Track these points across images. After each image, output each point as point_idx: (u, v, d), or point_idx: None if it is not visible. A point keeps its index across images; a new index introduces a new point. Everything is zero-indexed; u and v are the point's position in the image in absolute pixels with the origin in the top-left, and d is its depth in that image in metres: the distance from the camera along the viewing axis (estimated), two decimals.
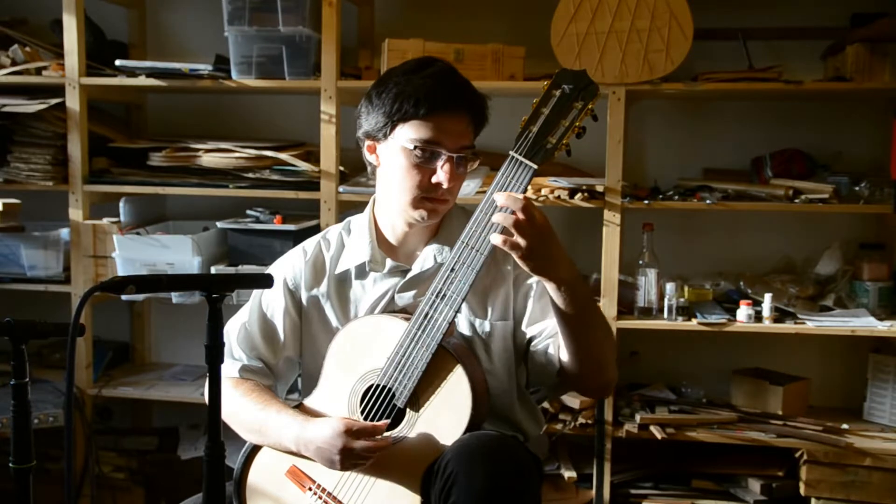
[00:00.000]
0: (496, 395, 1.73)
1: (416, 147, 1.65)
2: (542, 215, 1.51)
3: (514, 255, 1.51)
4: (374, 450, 1.57)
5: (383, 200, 1.79)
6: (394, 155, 1.70)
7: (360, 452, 1.57)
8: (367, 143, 1.76)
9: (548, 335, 1.72)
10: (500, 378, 1.76)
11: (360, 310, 1.79)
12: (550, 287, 1.56)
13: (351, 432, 1.58)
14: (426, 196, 1.69)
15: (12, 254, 2.97)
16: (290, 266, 1.85)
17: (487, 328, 1.75)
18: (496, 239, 1.51)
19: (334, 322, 1.80)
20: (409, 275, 1.76)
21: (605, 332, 1.68)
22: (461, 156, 1.68)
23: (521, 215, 1.48)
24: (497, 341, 1.75)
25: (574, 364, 1.64)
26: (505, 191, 1.54)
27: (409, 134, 1.66)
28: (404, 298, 1.76)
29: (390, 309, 1.77)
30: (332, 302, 1.81)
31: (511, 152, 1.56)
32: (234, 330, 1.84)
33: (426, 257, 1.76)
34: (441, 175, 1.66)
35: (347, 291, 1.81)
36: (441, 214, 1.74)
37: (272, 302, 1.84)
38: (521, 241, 1.49)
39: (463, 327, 1.75)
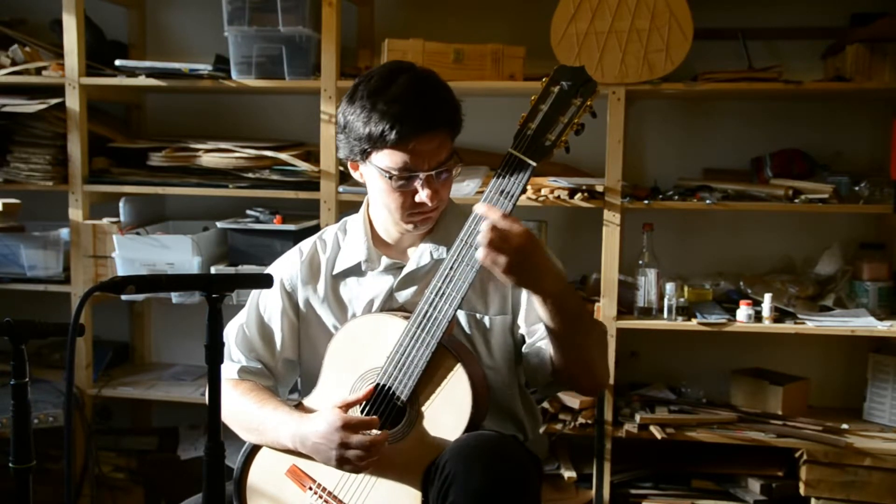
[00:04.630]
0: (497, 389, 1.74)
1: (391, 176, 1.64)
2: (519, 232, 1.50)
3: (495, 272, 1.52)
4: (370, 445, 1.57)
5: (375, 208, 1.79)
6: (374, 178, 1.69)
7: (356, 446, 1.57)
8: (349, 162, 1.75)
9: (541, 335, 1.72)
10: (501, 372, 1.76)
11: (357, 308, 1.79)
12: (536, 299, 1.57)
13: (347, 427, 1.58)
14: (413, 212, 1.69)
15: (12, 254, 2.97)
16: (286, 268, 1.85)
17: (487, 322, 1.75)
18: (480, 255, 1.52)
19: (332, 322, 1.80)
20: (405, 271, 1.76)
21: (597, 338, 1.69)
22: (441, 170, 1.66)
23: (493, 234, 1.49)
24: (497, 335, 1.75)
25: (563, 367, 1.67)
26: (503, 189, 1.54)
27: (383, 161, 1.64)
28: (402, 296, 1.76)
29: (388, 307, 1.77)
30: (329, 302, 1.81)
31: (510, 150, 1.56)
32: (233, 332, 1.84)
33: (422, 254, 1.76)
34: (423, 195, 1.64)
35: (344, 291, 1.81)
36: (434, 221, 1.74)
37: (269, 304, 1.84)
38: (500, 258, 1.50)
39: (463, 322, 1.75)
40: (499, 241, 1.49)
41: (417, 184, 1.64)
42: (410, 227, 1.72)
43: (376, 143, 1.61)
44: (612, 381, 2.69)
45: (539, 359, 1.72)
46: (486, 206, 1.55)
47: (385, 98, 1.60)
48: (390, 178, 1.64)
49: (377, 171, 1.66)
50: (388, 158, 1.63)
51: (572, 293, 1.63)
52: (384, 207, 1.72)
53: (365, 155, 1.66)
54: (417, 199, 1.65)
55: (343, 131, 1.68)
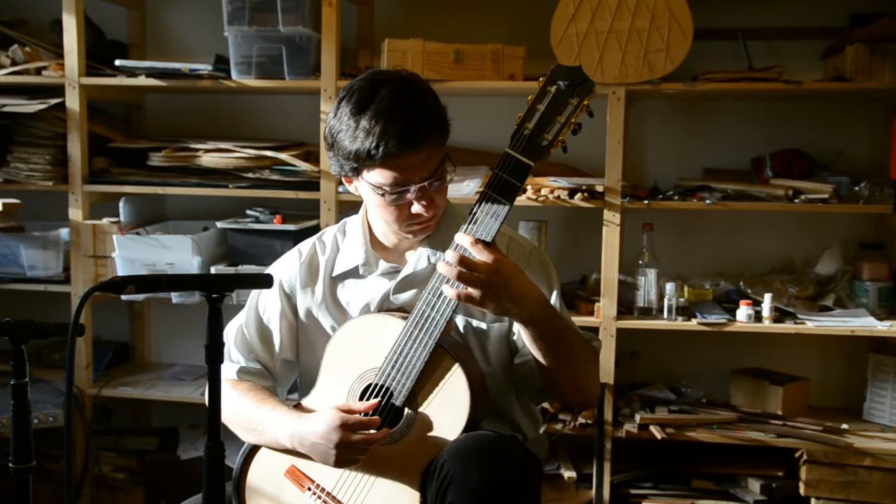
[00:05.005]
0: (494, 395, 1.73)
1: (383, 193, 1.64)
2: (487, 262, 1.51)
3: (471, 304, 1.53)
4: (369, 442, 1.57)
5: (373, 216, 1.79)
6: (368, 193, 1.68)
7: (356, 445, 1.57)
8: (342, 177, 1.73)
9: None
10: (497, 379, 1.75)
11: (355, 311, 1.79)
12: (518, 325, 1.57)
13: (346, 426, 1.58)
14: (410, 223, 1.68)
15: (12, 254, 2.97)
16: (285, 269, 1.84)
17: (484, 328, 1.75)
18: (448, 292, 1.53)
19: (330, 324, 1.80)
20: (402, 275, 1.76)
21: (583, 357, 1.69)
22: (433, 179, 1.64)
23: (460, 268, 1.50)
24: (494, 342, 1.75)
25: (551, 384, 1.69)
26: (501, 189, 1.54)
27: (374, 178, 1.63)
28: (400, 299, 1.76)
29: (386, 309, 1.77)
30: (328, 304, 1.81)
31: (507, 150, 1.55)
32: (232, 333, 1.84)
33: (419, 257, 1.76)
34: (417, 207, 1.64)
35: (342, 293, 1.81)
36: (433, 228, 1.73)
37: (268, 305, 1.84)
38: (472, 292, 1.52)
39: (460, 327, 1.75)
40: (468, 275, 1.50)
41: (411, 196, 1.63)
42: (410, 235, 1.72)
43: (364, 161, 1.60)
44: (612, 381, 2.69)
45: (529, 370, 1.72)
46: (461, 235, 1.55)
47: (368, 114, 1.58)
48: (383, 194, 1.64)
49: (370, 188, 1.65)
50: (378, 175, 1.62)
51: (556, 317, 1.63)
52: (381, 220, 1.72)
53: (355, 172, 1.66)
54: (413, 209, 1.65)
55: (331, 149, 1.67)
